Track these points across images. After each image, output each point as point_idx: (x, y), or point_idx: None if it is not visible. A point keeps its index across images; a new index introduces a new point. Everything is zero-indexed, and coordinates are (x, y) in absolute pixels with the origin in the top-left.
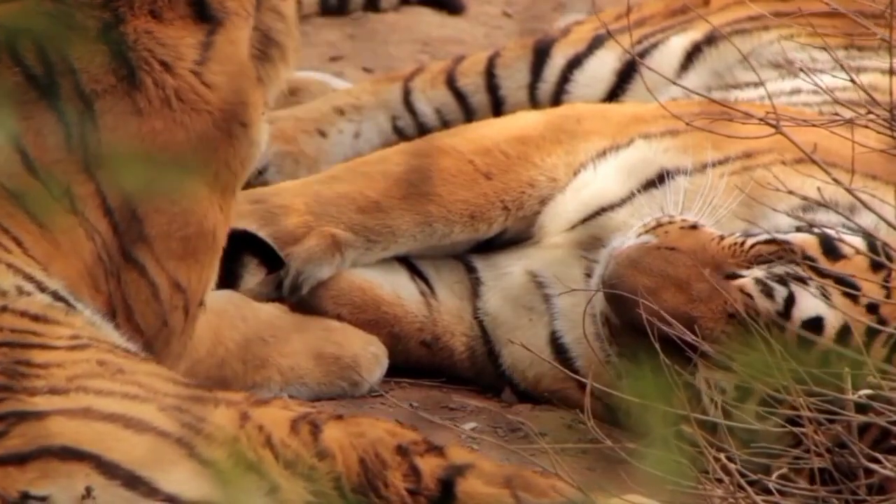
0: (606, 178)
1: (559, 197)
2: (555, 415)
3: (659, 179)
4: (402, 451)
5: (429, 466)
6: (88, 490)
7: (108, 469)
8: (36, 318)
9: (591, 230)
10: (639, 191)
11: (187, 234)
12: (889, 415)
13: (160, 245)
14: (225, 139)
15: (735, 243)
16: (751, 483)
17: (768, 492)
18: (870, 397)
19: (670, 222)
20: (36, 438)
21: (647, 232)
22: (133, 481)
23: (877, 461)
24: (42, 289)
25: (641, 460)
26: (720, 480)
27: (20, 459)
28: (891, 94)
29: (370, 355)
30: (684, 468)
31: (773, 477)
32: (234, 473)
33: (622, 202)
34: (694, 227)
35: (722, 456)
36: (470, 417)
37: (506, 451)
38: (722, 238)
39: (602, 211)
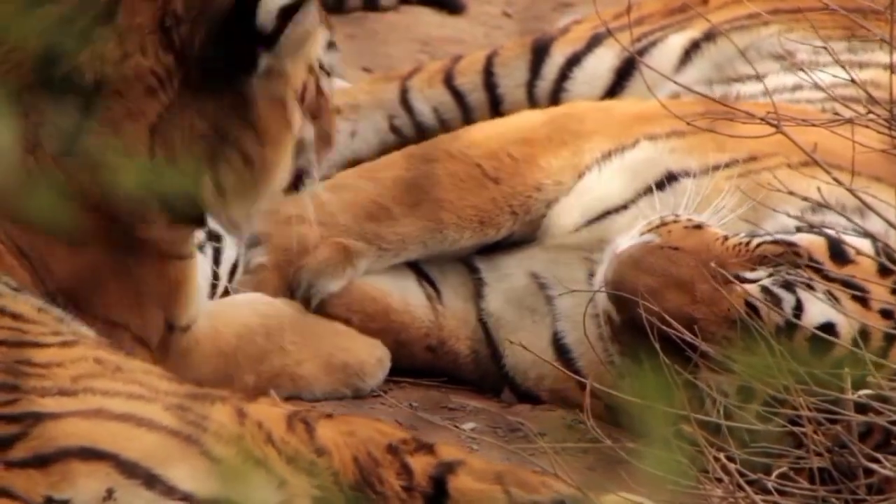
0: (611, 181)
1: (564, 200)
2: (555, 415)
3: (665, 181)
4: (392, 449)
5: (420, 464)
6: (109, 492)
7: (127, 468)
8: (15, 315)
9: (595, 233)
10: (644, 193)
11: (105, 286)
12: (889, 415)
13: (78, 294)
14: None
15: (740, 243)
16: (750, 483)
17: (768, 491)
18: (870, 397)
19: (675, 221)
20: (55, 439)
21: (650, 231)
22: (151, 480)
23: (876, 461)
24: None
25: (642, 460)
26: (720, 480)
27: (41, 461)
28: (891, 92)
29: (375, 361)
30: (684, 468)
31: (773, 477)
32: (244, 470)
33: (627, 205)
34: (698, 226)
35: (722, 456)
36: (469, 417)
37: (505, 452)
38: (726, 238)
39: (607, 214)
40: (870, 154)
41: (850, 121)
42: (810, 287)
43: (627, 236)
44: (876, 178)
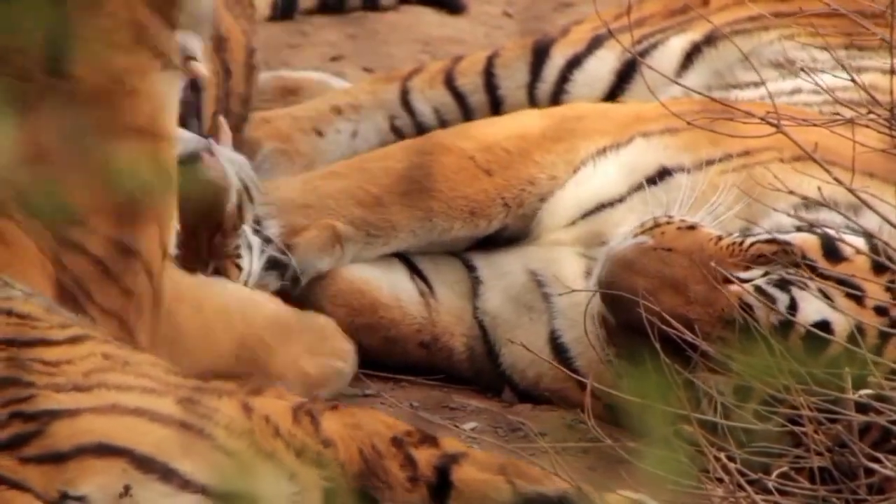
0: (606, 176)
1: (558, 193)
2: (555, 414)
3: (658, 177)
4: (397, 442)
5: (424, 456)
6: (127, 488)
7: (143, 463)
8: (22, 315)
9: (590, 227)
10: (638, 188)
11: (117, 201)
12: (889, 414)
13: (93, 219)
14: (116, 114)
15: (734, 243)
16: (751, 482)
17: (769, 491)
18: (870, 397)
19: (668, 223)
20: (72, 436)
21: (643, 232)
22: (168, 474)
23: (877, 461)
24: None
25: (642, 460)
26: (721, 480)
27: (58, 458)
28: (891, 93)
29: (334, 373)
30: (685, 467)
31: (774, 476)
32: (256, 462)
33: (621, 199)
34: (692, 227)
35: (722, 455)
36: (470, 417)
37: (506, 451)
38: (720, 238)
39: (601, 208)
40: (865, 152)
41: (850, 121)
42: (805, 285)
43: (620, 237)
44: (870, 175)
